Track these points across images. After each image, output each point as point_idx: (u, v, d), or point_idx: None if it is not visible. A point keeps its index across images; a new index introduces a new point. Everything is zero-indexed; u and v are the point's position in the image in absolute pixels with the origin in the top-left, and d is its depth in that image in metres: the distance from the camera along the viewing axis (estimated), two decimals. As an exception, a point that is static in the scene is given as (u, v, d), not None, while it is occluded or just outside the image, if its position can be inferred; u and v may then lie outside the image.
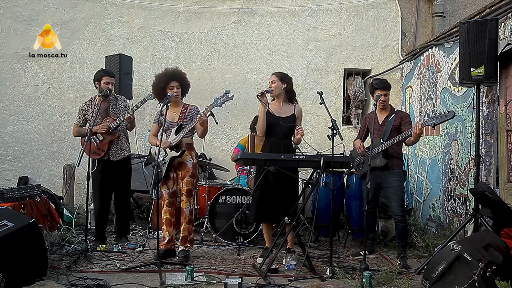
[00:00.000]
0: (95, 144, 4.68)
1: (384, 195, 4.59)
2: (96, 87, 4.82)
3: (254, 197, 4.38)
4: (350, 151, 5.00)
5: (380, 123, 4.45)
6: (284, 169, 4.06)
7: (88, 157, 4.57)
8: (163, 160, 4.30)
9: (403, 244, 4.34)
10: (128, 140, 4.95)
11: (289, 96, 4.42)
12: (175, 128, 4.30)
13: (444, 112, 4.14)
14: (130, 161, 4.96)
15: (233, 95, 4.22)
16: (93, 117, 4.62)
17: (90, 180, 4.48)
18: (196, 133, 4.42)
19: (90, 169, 4.52)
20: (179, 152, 4.29)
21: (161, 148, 4.07)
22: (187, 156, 4.36)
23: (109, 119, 4.70)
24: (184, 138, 4.30)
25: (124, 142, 4.85)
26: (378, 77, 6.47)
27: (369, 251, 4.49)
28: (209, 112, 4.21)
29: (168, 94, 4.23)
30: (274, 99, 4.45)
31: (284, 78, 4.38)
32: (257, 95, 4.29)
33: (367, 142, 4.63)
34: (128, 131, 4.93)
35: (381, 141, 4.34)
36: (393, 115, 4.44)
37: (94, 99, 4.82)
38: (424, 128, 4.25)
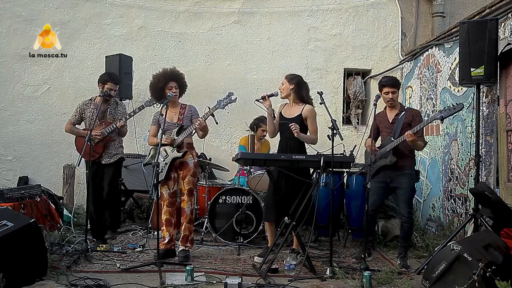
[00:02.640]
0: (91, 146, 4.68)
1: (392, 196, 4.56)
2: (99, 89, 4.81)
3: (268, 197, 4.41)
4: (350, 151, 4.95)
5: (390, 121, 4.40)
6: (297, 173, 4.05)
7: (87, 157, 4.57)
8: (164, 160, 4.30)
9: (406, 245, 4.32)
10: (122, 144, 4.96)
11: (299, 96, 4.37)
12: (176, 129, 4.30)
13: (453, 105, 4.06)
14: (121, 163, 4.98)
15: (236, 98, 4.22)
16: (93, 118, 4.62)
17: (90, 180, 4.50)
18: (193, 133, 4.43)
19: (85, 170, 4.54)
20: (182, 153, 4.29)
21: (161, 148, 4.07)
22: (189, 155, 4.36)
23: (106, 122, 4.73)
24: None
25: (116, 146, 4.85)
26: (378, 77, 6.46)
27: (367, 254, 4.45)
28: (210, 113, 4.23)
29: (168, 95, 4.23)
30: (288, 101, 4.45)
31: (292, 79, 4.38)
32: (256, 100, 4.31)
33: (379, 142, 4.59)
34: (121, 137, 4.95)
35: (392, 138, 4.29)
36: (403, 112, 4.38)
37: (94, 99, 4.83)
38: (424, 127, 4.23)
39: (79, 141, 4.72)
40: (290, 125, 4.17)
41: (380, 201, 4.50)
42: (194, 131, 4.30)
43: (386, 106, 4.31)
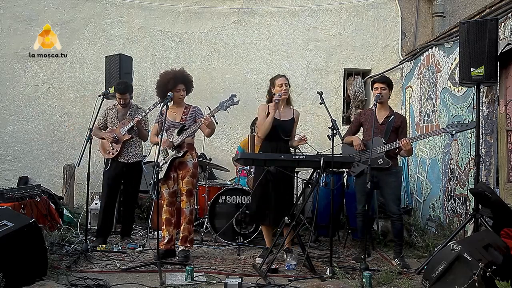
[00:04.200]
0: (111, 144, 4.79)
1: (381, 195, 4.58)
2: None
3: (254, 198, 4.39)
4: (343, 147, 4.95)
5: (380, 122, 4.43)
6: (282, 168, 4.09)
7: (88, 157, 4.58)
8: (164, 159, 4.30)
9: (401, 243, 4.36)
10: (141, 147, 5.03)
11: (289, 98, 4.43)
12: (178, 128, 4.31)
13: (465, 122, 4.09)
14: (141, 166, 4.98)
15: (239, 100, 4.22)
16: (114, 121, 4.83)
17: (90, 180, 4.50)
18: (195, 133, 4.43)
19: (88, 167, 4.57)
20: (182, 153, 4.29)
21: (161, 148, 4.07)
22: (188, 156, 4.36)
23: (125, 121, 4.84)
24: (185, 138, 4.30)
25: (135, 147, 4.92)
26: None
27: (367, 254, 4.45)
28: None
29: (168, 94, 4.23)
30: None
31: (288, 81, 4.42)
32: (276, 101, 4.24)
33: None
34: (142, 140, 5.04)
35: (383, 141, 4.32)
36: (392, 116, 4.44)
37: (117, 105, 5.01)
38: (424, 127, 4.23)
39: (101, 143, 4.92)
40: (302, 137, 4.25)
41: (370, 201, 4.55)
42: (197, 129, 4.31)
43: (374, 105, 4.29)
